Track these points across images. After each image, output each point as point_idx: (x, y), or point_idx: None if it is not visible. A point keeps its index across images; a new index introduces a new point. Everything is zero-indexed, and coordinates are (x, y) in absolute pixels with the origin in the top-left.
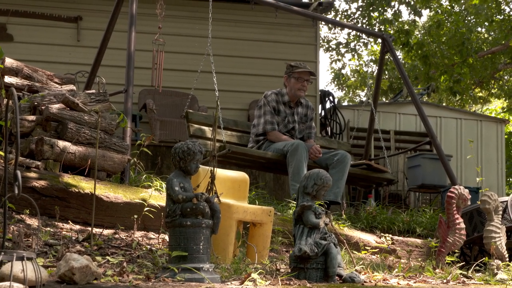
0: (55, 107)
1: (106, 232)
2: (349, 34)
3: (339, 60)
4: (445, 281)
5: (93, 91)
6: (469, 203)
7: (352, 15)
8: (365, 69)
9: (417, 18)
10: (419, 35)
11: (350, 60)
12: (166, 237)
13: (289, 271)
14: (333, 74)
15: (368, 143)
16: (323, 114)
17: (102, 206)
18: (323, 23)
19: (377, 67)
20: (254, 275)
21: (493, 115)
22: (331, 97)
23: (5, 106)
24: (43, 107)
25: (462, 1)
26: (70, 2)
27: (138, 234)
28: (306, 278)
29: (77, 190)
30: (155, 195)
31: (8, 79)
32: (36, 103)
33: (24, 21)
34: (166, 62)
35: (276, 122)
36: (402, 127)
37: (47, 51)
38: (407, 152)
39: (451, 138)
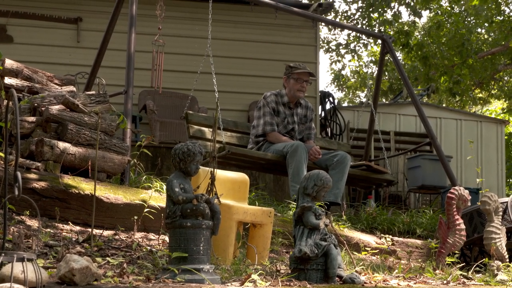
0: (55, 108)
1: (106, 233)
2: (349, 35)
3: (339, 61)
4: (445, 282)
5: (93, 92)
6: (469, 204)
7: (352, 16)
8: (365, 70)
9: (417, 19)
10: (419, 36)
11: (350, 61)
12: (166, 238)
13: (289, 272)
14: (333, 75)
15: (368, 144)
16: (323, 115)
17: (102, 207)
18: (323, 24)
19: (377, 68)
20: (254, 276)
21: (493, 116)
22: (331, 98)
23: (5, 107)
24: (43, 108)
25: (462, 2)
26: (70, 3)
27: (138, 235)
28: (306, 279)
29: (77, 191)
30: (155, 196)
31: (8, 80)
32: (36, 104)
33: (24, 22)
34: (166, 63)
35: (275, 123)
36: (402, 128)
37: (47, 52)
38: (407, 153)
39: (451, 139)
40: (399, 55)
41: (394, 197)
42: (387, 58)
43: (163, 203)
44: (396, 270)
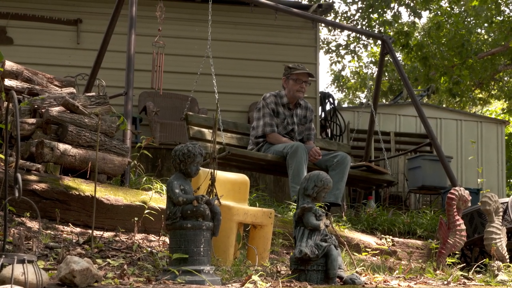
0: (55, 110)
1: (107, 234)
2: (348, 36)
3: (339, 62)
4: (445, 282)
5: (93, 93)
6: (469, 204)
7: (351, 16)
8: (365, 70)
9: (416, 20)
10: (418, 37)
11: (350, 61)
12: (167, 240)
13: (290, 273)
14: (333, 76)
15: (368, 144)
16: (323, 116)
17: (103, 208)
18: (322, 25)
19: (377, 69)
20: (255, 277)
21: (493, 116)
22: (331, 99)
23: (5, 109)
24: (43, 110)
25: (462, 3)
26: (70, 5)
27: (138, 236)
28: (306, 280)
29: (77, 193)
30: (156, 198)
31: (8, 82)
32: (36, 106)
33: (24, 24)
34: (166, 65)
35: (275, 124)
36: (402, 129)
37: (47, 54)
38: (407, 153)
39: (451, 139)
40: (399, 55)
41: (394, 198)
42: (387, 58)
43: (163, 205)
44: (397, 271)
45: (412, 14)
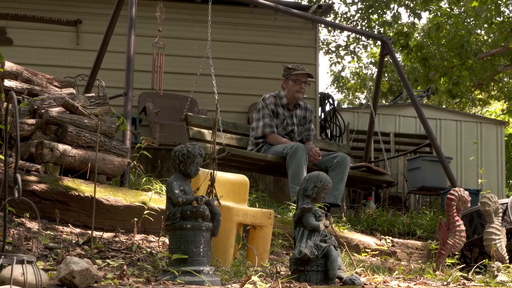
0: (55, 110)
1: (106, 235)
2: (348, 36)
3: (338, 62)
4: (445, 283)
5: (93, 94)
6: (469, 205)
7: (351, 17)
8: (364, 71)
9: (416, 21)
10: (418, 38)
11: (349, 62)
12: (166, 240)
13: (289, 273)
14: (332, 76)
15: (368, 145)
16: (322, 116)
17: (102, 209)
18: (322, 25)
19: (376, 70)
20: (254, 278)
21: (492, 117)
22: (330, 100)
23: (5, 110)
24: (43, 111)
25: (462, 4)
26: (69, 5)
27: (138, 237)
28: (306, 281)
29: (77, 194)
30: (155, 198)
31: (7, 82)
32: (36, 107)
33: (23, 24)
34: (166, 65)
35: (275, 125)
36: (402, 129)
37: (47, 54)
38: (407, 154)
39: (451, 140)
40: (399, 56)
41: (394, 199)
42: (386, 59)
43: (163, 205)
44: (396, 272)
45: (411, 15)
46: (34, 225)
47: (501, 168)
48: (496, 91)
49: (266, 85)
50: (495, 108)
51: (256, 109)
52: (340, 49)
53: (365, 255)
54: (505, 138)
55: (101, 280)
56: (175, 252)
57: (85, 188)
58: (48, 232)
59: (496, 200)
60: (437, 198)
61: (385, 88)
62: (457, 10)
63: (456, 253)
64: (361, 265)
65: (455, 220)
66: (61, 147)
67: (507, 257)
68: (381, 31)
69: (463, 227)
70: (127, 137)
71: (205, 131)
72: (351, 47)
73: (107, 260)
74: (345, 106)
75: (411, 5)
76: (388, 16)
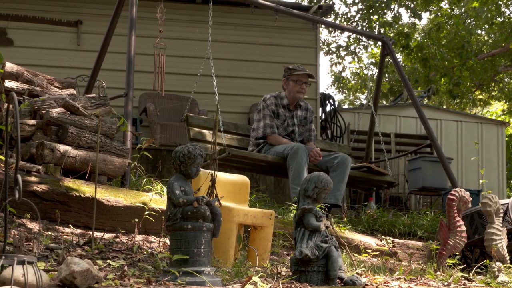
0: (56, 111)
1: (107, 236)
2: (349, 37)
3: (339, 63)
4: (446, 283)
5: (94, 95)
6: (470, 205)
7: (352, 18)
8: (365, 72)
9: (417, 21)
10: (419, 38)
11: (350, 63)
12: (167, 241)
13: (290, 274)
14: (333, 77)
15: (369, 146)
16: (323, 117)
17: (103, 210)
18: (323, 26)
19: (377, 70)
20: (255, 278)
21: (493, 117)
22: (331, 100)
23: (6, 111)
24: (43, 111)
25: (462, 4)
26: (70, 6)
27: (139, 237)
28: (307, 281)
29: (78, 194)
30: (156, 199)
31: (8, 83)
32: (36, 107)
33: (24, 25)
34: (166, 66)
35: (275, 125)
36: (403, 130)
37: (47, 55)
38: (407, 154)
39: (451, 140)
40: (399, 57)
41: (394, 199)
42: (387, 60)
43: (163, 206)
44: (397, 272)
45: (412, 15)
46: (34, 226)
47: (501, 168)
48: (496, 92)
49: (266, 86)
50: (496, 108)
51: (256, 109)
52: (341, 49)
53: (366, 256)
54: (506, 139)
55: (102, 280)
56: (176, 253)
57: (86, 189)
58: (49, 232)
59: (497, 200)
60: (437, 198)
61: (386, 89)
62: (457, 10)
63: (457, 253)
64: (362, 265)
65: (456, 221)
66: (62, 147)
67: (508, 258)
68: (382, 32)
69: (464, 228)
70: (128, 137)
71: (205, 131)
72: (352, 47)
73: (108, 261)
74: (345, 106)
75: (412, 5)
76: (389, 16)
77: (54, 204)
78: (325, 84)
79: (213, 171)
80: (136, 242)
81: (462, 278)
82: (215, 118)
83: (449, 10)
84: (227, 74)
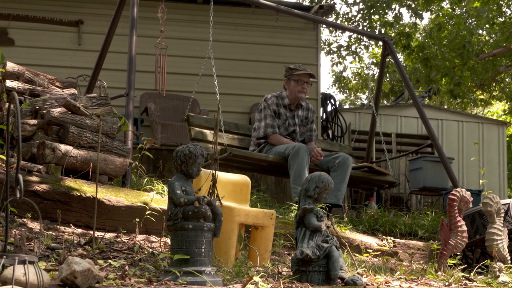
0: (57, 111)
1: (108, 235)
2: (350, 37)
3: (340, 63)
4: (447, 283)
5: (95, 94)
6: (471, 205)
7: (353, 18)
8: (366, 71)
9: (418, 21)
10: (420, 38)
11: (351, 63)
12: (168, 241)
13: (291, 274)
14: (334, 77)
15: (370, 146)
16: (324, 117)
17: (104, 209)
18: (324, 26)
19: (378, 70)
20: (256, 278)
21: (494, 117)
22: (332, 100)
23: (7, 110)
24: (44, 111)
25: (463, 4)
26: (71, 6)
27: (140, 237)
28: (308, 281)
29: (78, 194)
30: (157, 199)
31: (9, 83)
32: (37, 107)
33: (25, 25)
34: (167, 66)
35: (276, 125)
36: (404, 130)
37: (48, 55)
38: (408, 154)
39: (452, 140)
40: (400, 56)
41: (395, 199)
42: (388, 60)
43: (164, 206)
44: (398, 272)
45: (413, 15)
46: (36, 226)
47: (502, 168)
48: (497, 92)
49: (267, 86)
50: (497, 108)
51: (258, 109)
52: (342, 49)
53: (367, 256)
54: (507, 139)
55: (103, 280)
56: (176, 253)
57: (87, 189)
58: (50, 232)
59: (498, 200)
60: (438, 198)
61: (387, 89)
62: (458, 10)
63: (458, 253)
64: (362, 265)
65: (457, 221)
66: (63, 147)
67: (509, 258)
68: (383, 32)
69: (465, 228)
70: (129, 137)
71: (206, 131)
72: (353, 47)
73: (109, 261)
74: (346, 106)
75: (413, 5)
76: (390, 16)
77: (55, 204)
78: (326, 84)
79: (214, 171)
80: (137, 242)
81: (463, 278)
82: (216, 118)
83: (450, 10)
84: (228, 74)
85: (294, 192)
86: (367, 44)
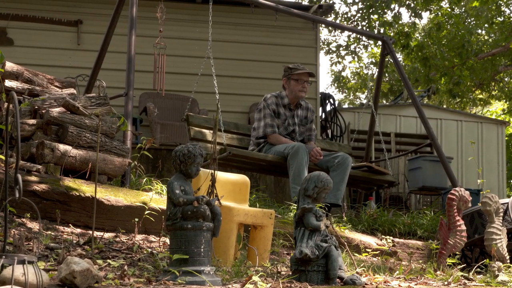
0: (56, 110)
1: (107, 235)
2: (349, 36)
3: (339, 62)
4: (446, 283)
5: (94, 94)
6: (470, 205)
7: (352, 17)
8: (365, 71)
9: (417, 21)
10: (419, 38)
11: (350, 62)
12: (167, 240)
13: (290, 273)
14: (333, 76)
15: (369, 145)
16: (323, 116)
17: (103, 209)
18: (323, 25)
19: (377, 70)
20: (255, 278)
21: (493, 117)
22: (331, 100)
23: (6, 110)
24: (43, 111)
25: (463, 3)
26: (70, 6)
27: (139, 237)
28: (307, 281)
29: (78, 194)
30: (156, 198)
31: (8, 83)
32: (36, 107)
33: (24, 25)
34: (167, 65)
35: (276, 125)
36: (403, 129)
37: (48, 55)
38: (407, 154)
39: (451, 140)
40: (400, 56)
41: (394, 199)
42: (387, 59)
43: (163, 205)
44: (397, 271)
45: (412, 15)
46: (35, 225)
47: (501, 168)
48: (496, 91)
49: (267, 85)
50: (496, 108)
51: (257, 109)
52: (341, 49)
53: (366, 255)
54: (506, 138)
55: (102, 280)
56: (176, 252)
57: (86, 188)
58: (49, 232)
59: (497, 200)
60: (437, 198)
61: (386, 88)
62: (457, 10)
63: (457, 253)
64: (362, 265)
65: (456, 220)
66: (62, 147)
67: (508, 257)
68: (382, 31)
69: (464, 227)
70: (128, 137)
71: (206, 131)
72: (352, 47)
73: (108, 260)
74: (345, 106)
75: (412, 5)
76: (389, 16)
77: (54, 204)
78: (325, 83)
79: (213, 171)
80: (136, 242)
81: (462, 278)
82: (216, 118)
83: (449, 10)
84: (227, 73)
85: (293, 191)
86: (366, 43)
